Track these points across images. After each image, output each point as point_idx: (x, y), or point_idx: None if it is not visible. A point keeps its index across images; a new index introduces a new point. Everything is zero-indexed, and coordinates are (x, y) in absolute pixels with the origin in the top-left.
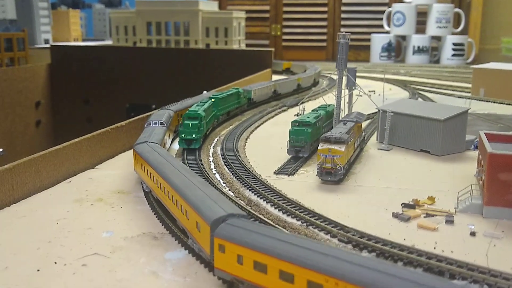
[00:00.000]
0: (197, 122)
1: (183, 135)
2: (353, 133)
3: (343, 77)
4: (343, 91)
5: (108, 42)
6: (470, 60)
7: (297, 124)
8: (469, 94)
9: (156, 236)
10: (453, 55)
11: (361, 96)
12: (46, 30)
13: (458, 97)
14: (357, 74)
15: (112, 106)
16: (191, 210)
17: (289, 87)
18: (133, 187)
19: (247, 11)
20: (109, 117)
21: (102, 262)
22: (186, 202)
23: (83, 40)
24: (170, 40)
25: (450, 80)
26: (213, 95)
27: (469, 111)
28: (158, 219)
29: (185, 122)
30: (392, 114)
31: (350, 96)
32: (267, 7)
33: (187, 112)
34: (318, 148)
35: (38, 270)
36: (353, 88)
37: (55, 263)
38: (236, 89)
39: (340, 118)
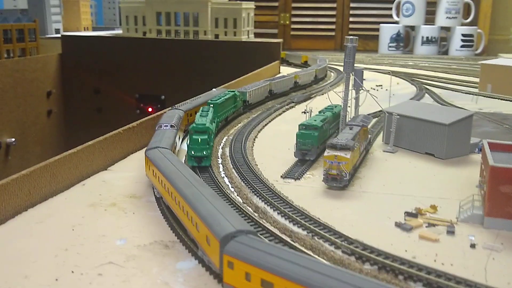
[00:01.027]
0: (206, 136)
1: (192, 152)
2: (358, 138)
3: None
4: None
5: (118, 31)
6: (479, 51)
7: (304, 127)
8: (476, 90)
9: (167, 244)
10: (462, 46)
11: (369, 91)
12: (57, 20)
13: (465, 93)
14: (365, 66)
15: (122, 96)
16: (202, 223)
17: (285, 86)
18: (144, 191)
19: (256, 0)
20: (119, 107)
21: (116, 272)
22: (196, 215)
23: (93, 29)
24: (179, 30)
25: (458, 73)
26: (211, 100)
27: (475, 109)
28: (169, 226)
29: (193, 137)
30: (398, 117)
31: (357, 98)
32: None
33: (194, 125)
34: (324, 154)
35: (56, 280)
36: (360, 89)
37: (72, 272)
38: (232, 91)
39: (347, 120)
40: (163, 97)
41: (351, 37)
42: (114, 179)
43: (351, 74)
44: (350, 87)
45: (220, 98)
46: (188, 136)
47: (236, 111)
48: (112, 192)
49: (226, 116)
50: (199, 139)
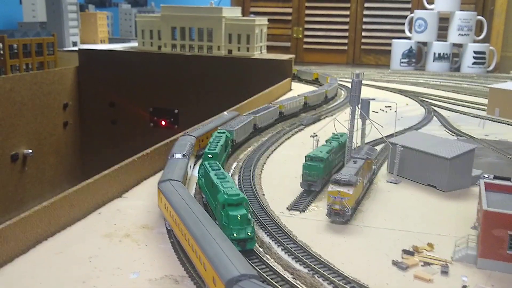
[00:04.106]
0: (245, 211)
1: (234, 234)
2: (362, 172)
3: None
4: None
5: (134, 44)
6: (491, 68)
7: (310, 159)
8: (484, 113)
9: (177, 279)
10: (474, 63)
11: (377, 113)
12: (74, 33)
13: (473, 116)
14: (376, 84)
15: (136, 109)
16: (209, 264)
17: (269, 118)
18: (156, 222)
19: (270, 13)
20: (133, 120)
21: None
22: (204, 255)
23: (110, 41)
24: (193, 45)
25: (468, 93)
26: (209, 150)
27: (482, 135)
28: (179, 261)
29: (230, 213)
30: (402, 149)
31: (363, 130)
32: (289, 10)
33: (227, 197)
34: (328, 189)
35: None
36: (366, 120)
37: None
38: (222, 131)
39: (352, 151)
40: (176, 111)
41: (357, 72)
42: (128, 208)
43: (357, 107)
44: (356, 117)
45: (217, 145)
46: (219, 209)
47: (226, 155)
48: (126, 221)
49: (222, 166)
50: (238, 216)
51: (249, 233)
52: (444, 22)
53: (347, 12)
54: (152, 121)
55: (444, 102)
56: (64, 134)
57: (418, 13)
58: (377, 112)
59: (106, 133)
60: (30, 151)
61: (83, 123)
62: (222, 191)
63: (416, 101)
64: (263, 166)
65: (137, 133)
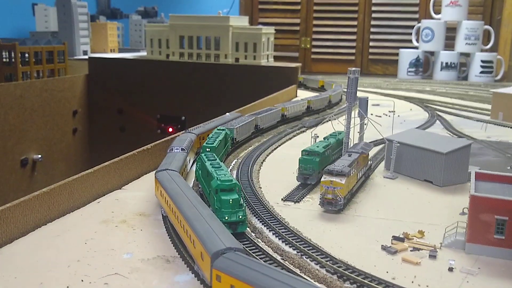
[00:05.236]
0: (236, 196)
1: (225, 217)
2: (356, 164)
3: (353, 108)
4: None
5: (143, 53)
6: (498, 77)
7: (306, 153)
8: (488, 118)
9: (168, 259)
10: (481, 72)
11: (380, 117)
12: (85, 42)
13: (477, 120)
14: (382, 91)
15: (144, 116)
16: (197, 241)
17: (272, 120)
18: (153, 210)
19: (278, 24)
20: (141, 127)
21: (121, 282)
22: (194, 233)
23: (120, 50)
24: (201, 53)
25: (474, 100)
26: (207, 143)
27: (484, 137)
28: (171, 243)
29: (223, 198)
30: (398, 144)
31: (361, 126)
32: (297, 20)
33: (220, 183)
34: (321, 179)
35: (67, 287)
36: (364, 118)
37: (82, 281)
38: (222, 129)
39: (349, 147)
40: (183, 118)
41: (353, 68)
42: (126, 198)
43: (354, 103)
44: (352, 116)
45: (215, 140)
46: (212, 195)
47: (226, 152)
48: (124, 210)
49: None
50: (230, 200)
51: (240, 217)
52: (451, 31)
53: (355, 23)
54: (160, 128)
55: (449, 108)
56: (74, 141)
57: (425, 22)
58: (380, 116)
59: (114, 140)
60: (40, 156)
61: (92, 130)
62: (216, 178)
63: (420, 107)
64: (262, 163)
65: (144, 139)
